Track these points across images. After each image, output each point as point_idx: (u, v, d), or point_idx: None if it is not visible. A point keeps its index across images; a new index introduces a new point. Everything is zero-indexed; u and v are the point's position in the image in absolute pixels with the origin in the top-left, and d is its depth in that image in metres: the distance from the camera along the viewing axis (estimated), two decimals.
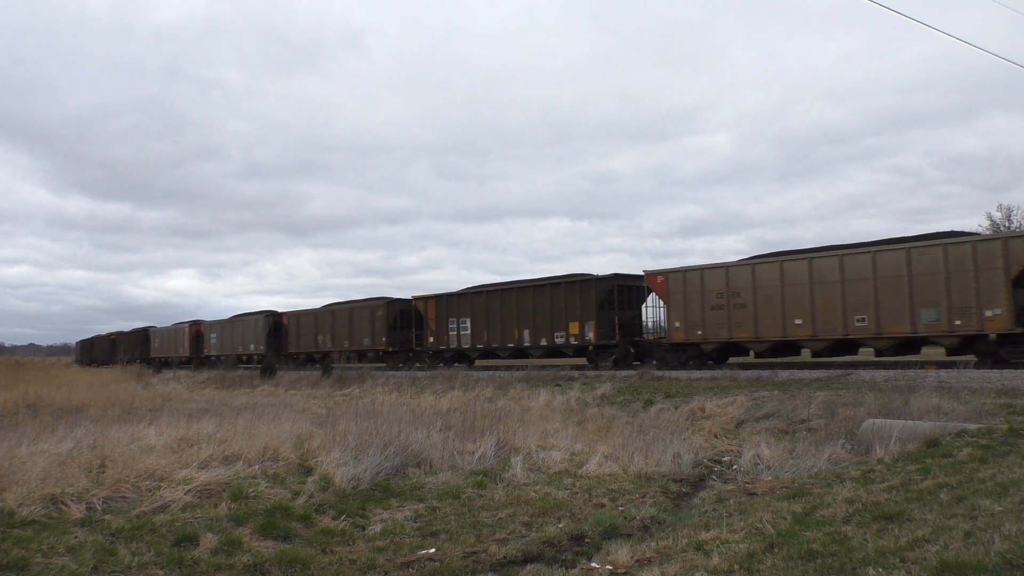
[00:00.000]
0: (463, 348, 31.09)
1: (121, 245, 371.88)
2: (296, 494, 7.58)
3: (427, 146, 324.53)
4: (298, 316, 41.72)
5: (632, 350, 26.21)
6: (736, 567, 4.83)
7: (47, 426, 10.32)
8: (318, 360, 37.85)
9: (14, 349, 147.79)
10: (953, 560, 4.14)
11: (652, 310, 27.21)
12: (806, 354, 23.61)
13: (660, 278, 24.41)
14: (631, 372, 22.77)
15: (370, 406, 14.15)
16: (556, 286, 27.60)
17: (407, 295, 35.84)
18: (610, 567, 5.50)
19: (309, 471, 8.40)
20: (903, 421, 9.76)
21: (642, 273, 25.82)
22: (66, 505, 6.46)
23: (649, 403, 16.65)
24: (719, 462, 10.72)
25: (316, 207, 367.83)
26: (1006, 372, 15.96)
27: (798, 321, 21.05)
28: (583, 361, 27.98)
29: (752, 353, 23.08)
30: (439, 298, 32.24)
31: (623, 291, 26.65)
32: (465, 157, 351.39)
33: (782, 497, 7.04)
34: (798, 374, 19.22)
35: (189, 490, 7.09)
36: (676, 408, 15.51)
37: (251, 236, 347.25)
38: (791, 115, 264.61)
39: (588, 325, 26.23)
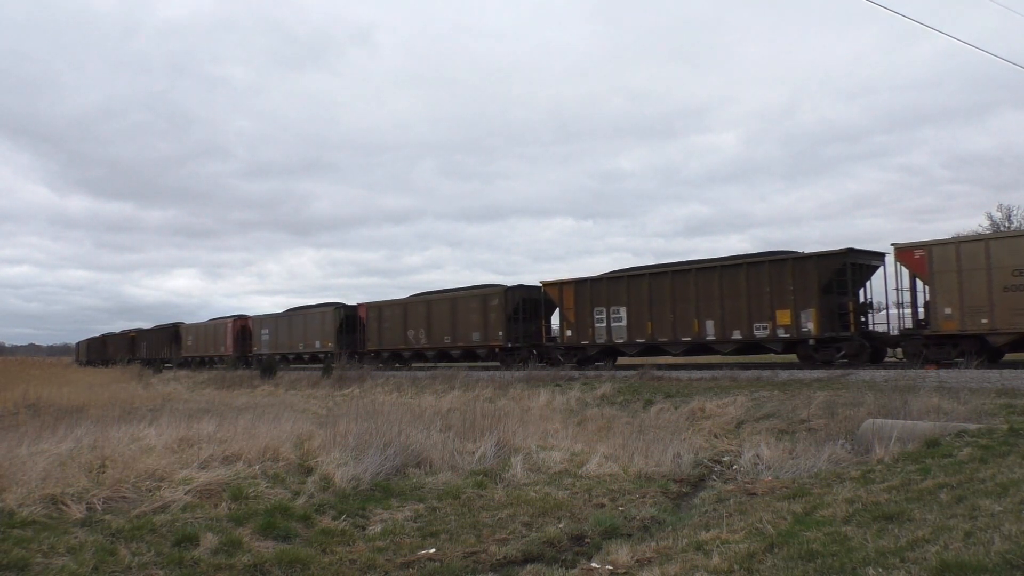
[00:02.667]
0: (615, 342, 25.60)
1: (123, 245, 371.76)
2: (296, 494, 7.59)
3: (433, 144, 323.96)
4: (380, 308, 35.98)
5: (867, 344, 20.94)
6: (736, 567, 4.83)
7: (47, 426, 10.33)
8: (407, 358, 34.36)
9: (14, 349, 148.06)
10: (953, 560, 4.14)
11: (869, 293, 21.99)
12: None
13: (919, 253, 19.33)
14: (631, 372, 22.73)
15: (370, 406, 14.15)
16: (757, 265, 22.19)
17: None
18: (610, 567, 5.50)
19: (309, 471, 8.40)
20: (903, 421, 9.76)
21: (875, 248, 21.81)
22: (66, 505, 6.46)
23: (649, 403, 16.66)
24: (719, 462, 10.73)
25: (320, 206, 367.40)
26: (1006, 372, 15.96)
27: None
28: (793, 358, 23.07)
29: None
30: (580, 283, 26.78)
31: (856, 270, 21.07)
32: (471, 155, 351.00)
33: (782, 497, 7.04)
34: (798, 374, 19.23)
35: (189, 490, 7.09)
36: (676, 408, 15.52)
37: (254, 236, 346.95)
38: (800, 113, 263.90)
39: (806, 313, 20.96)
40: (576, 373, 24.20)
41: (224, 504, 6.98)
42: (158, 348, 56.45)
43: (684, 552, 5.48)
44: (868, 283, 21.74)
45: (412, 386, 23.95)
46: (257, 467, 8.16)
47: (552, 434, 11.94)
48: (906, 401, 11.24)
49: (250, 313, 48.47)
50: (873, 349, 21.06)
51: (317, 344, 39.77)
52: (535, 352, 29.03)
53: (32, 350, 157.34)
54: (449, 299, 32.32)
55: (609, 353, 26.95)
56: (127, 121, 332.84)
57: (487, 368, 29.67)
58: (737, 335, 22.60)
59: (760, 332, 22.05)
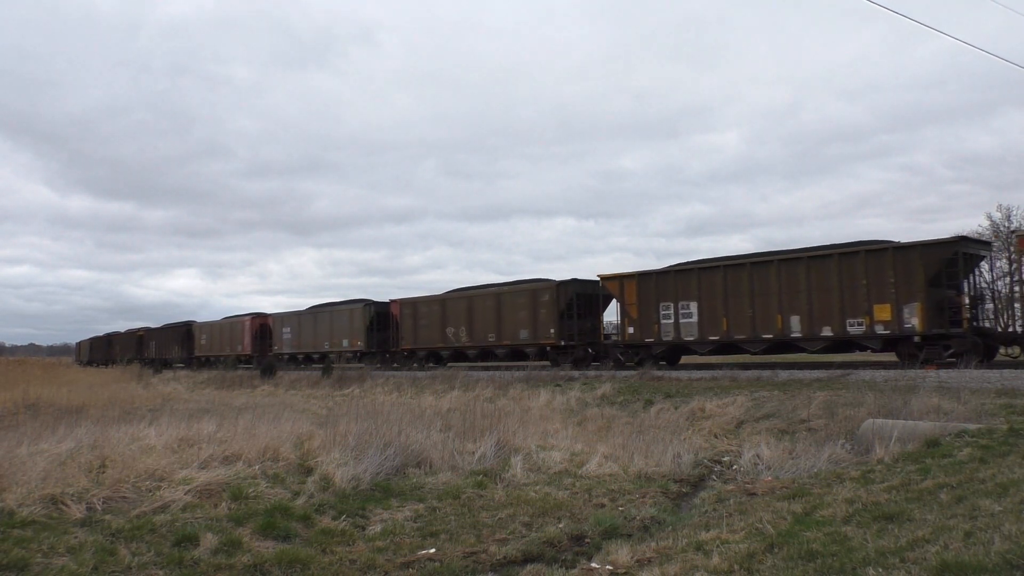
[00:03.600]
0: (684, 340, 23.65)
1: (124, 244, 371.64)
2: (296, 494, 7.59)
3: (436, 144, 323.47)
4: (414, 305, 33.91)
5: (979, 341, 18.89)
6: (736, 567, 4.83)
7: (47, 426, 10.34)
8: (445, 358, 32.55)
9: (14, 349, 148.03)
10: (953, 560, 4.14)
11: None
12: None
13: None
14: (631, 372, 22.70)
15: (370, 406, 14.16)
16: (851, 256, 20.25)
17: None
18: (610, 567, 5.50)
19: (309, 471, 8.40)
20: (903, 421, 9.76)
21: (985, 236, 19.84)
22: (66, 505, 6.46)
23: (649, 403, 16.65)
24: (719, 462, 10.72)
25: (321, 206, 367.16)
26: (1006, 372, 15.96)
27: None
28: (891, 357, 21.08)
29: None
30: (644, 276, 24.77)
31: (968, 260, 19.30)
32: (474, 155, 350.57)
33: (782, 497, 7.04)
34: (798, 374, 19.21)
35: (189, 490, 7.09)
36: (676, 408, 15.52)
37: (255, 235, 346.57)
38: (803, 112, 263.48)
39: (910, 308, 19.08)
40: (576, 373, 24.18)
41: (224, 504, 6.97)
42: (168, 347, 54.51)
43: (684, 552, 5.48)
44: (975, 273, 20.13)
45: (412, 386, 23.95)
46: (257, 467, 8.16)
47: (552, 434, 11.93)
48: (906, 401, 11.24)
49: (262, 311, 46.75)
50: (985, 347, 19.25)
51: (345, 343, 37.54)
52: (591, 351, 27.26)
53: (32, 350, 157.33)
54: (493, 295, 30.03)
55: (676, 352, 25.13)
56: (129, 120, 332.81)
57: (515, 367, 27.93)
58: (827, 331, 20.52)
59: (854, 328, 20.05)
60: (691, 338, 23.55)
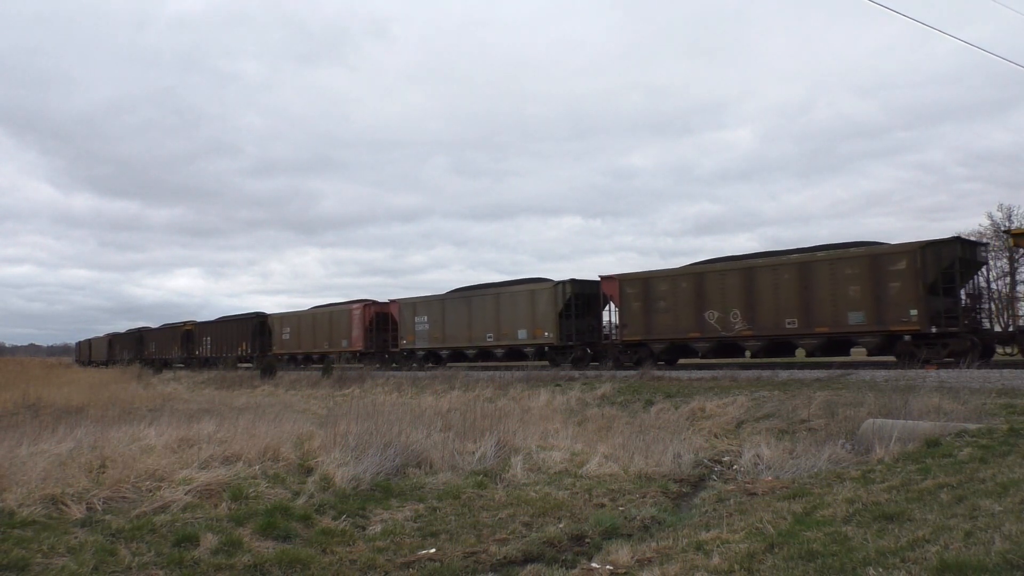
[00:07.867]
0: None
1: (127, 244, 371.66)
2: (296, 494, 7.58)
3: (445, 141, 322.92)
4: (645, 282, 24.98)
5: None
6: (736, 567, 4.83)
7: (47, 426, 10.34)
8: (704, 352, 23.84)
9: (14, 349, 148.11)
10: (953, 560, 4.14)
11: None
12: None
13: None
14: (632, 372, 22.69)
15: (370, 406, 14.14)
16: None
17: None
18: (610, 567, 5.50)
19: (309, 471, 8.40)
20: (903, 421, 9.76)
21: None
22: (66, 505, 6.46)
23: (649, 403, 16.65)
24: (719, 462, 10.73)
25: (328, 205, 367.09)
26: (1006, 372, 15.94)
27: None
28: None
29: None
30: None
31: None
32: (483, 152, 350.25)
33: (782, 497, 7.04)
34: (798, 374, 19.20)
35: (189, 490, 7.09)
36: (676, 408, 15.52)
37: (259, 235, 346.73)
38: (816, 109, 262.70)
39: None
40: (576, 373, 24.16)
41: (224, 504, 6.97)
42: (229, 344, 46.44)
43: (684, 552, 5.48)
44: None
45: (412, 386, 23.95)
46: (257, 467, 8.16)
47: (552, 434, 11.93)
48: (906, 401, 11.23)
49: (372, 299, 38.82)
50: None
51: (521, 334, 29.29)
52: (975, 339, 19.01)
53: (32, 350, 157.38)
54: (795, 264, 21.44)
55: None
56: (136, 118, 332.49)
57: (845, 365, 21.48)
58: None
59: None
60: None
